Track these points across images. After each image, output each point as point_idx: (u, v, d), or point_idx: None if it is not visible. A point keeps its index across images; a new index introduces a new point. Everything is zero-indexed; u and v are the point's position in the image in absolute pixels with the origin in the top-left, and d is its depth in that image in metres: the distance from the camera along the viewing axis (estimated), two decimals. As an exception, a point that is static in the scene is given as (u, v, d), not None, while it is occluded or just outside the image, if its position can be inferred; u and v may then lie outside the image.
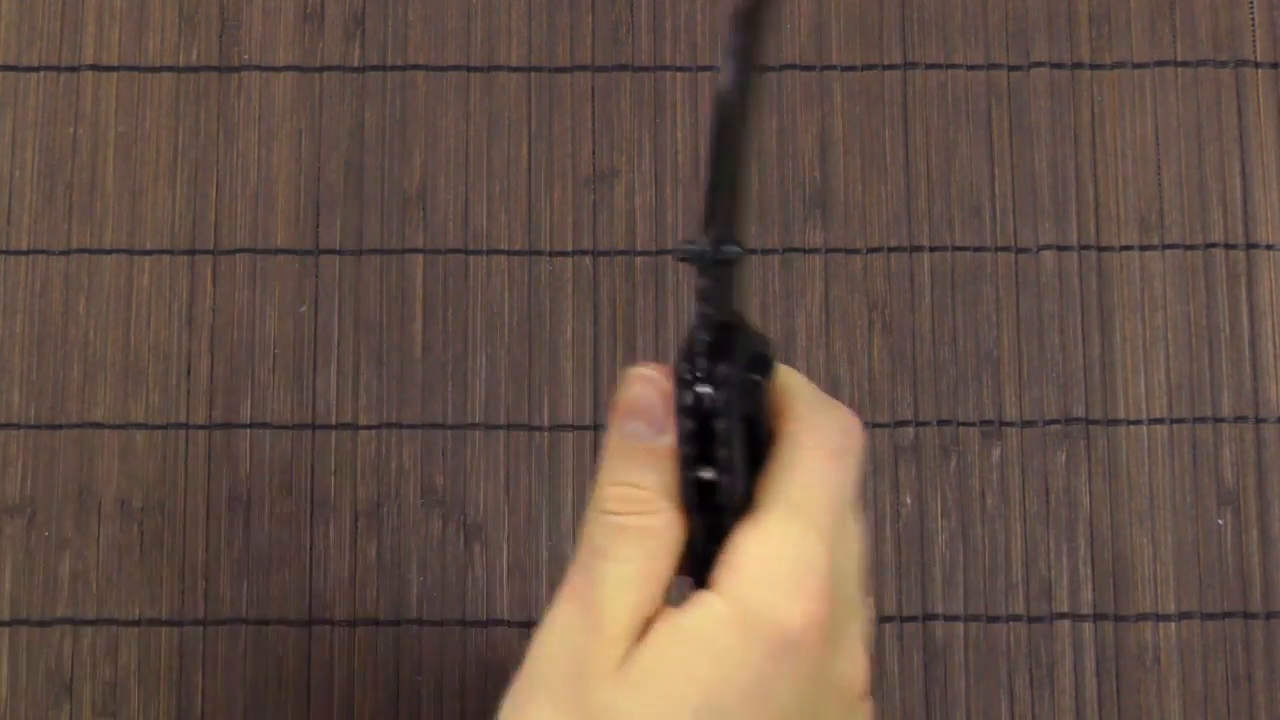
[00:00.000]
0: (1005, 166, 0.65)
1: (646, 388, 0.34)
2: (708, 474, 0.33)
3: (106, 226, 0.64)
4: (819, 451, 0.34)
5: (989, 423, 0.63)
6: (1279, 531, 0.62)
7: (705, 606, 0.32)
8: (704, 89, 0.65)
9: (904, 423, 0.63)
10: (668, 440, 0.34)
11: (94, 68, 0.65)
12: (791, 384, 0.35)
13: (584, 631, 0.32)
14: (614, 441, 0.34)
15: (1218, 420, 0.63)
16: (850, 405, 0.40)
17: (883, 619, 0.61)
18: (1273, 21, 0.66)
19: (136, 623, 0.61)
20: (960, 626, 0.61)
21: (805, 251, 0.64)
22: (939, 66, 0.65)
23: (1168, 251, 0.64)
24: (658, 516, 0.33)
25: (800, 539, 0.33)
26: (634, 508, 0.34)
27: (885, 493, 0.62)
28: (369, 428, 0.62)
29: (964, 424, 0.63)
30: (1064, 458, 0.62)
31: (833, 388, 0.62)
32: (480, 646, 0.61)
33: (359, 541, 0.62)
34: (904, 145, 0.65)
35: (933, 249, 0.64)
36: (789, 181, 0.64)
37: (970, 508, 0.62)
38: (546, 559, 0.61)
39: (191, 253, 0.64)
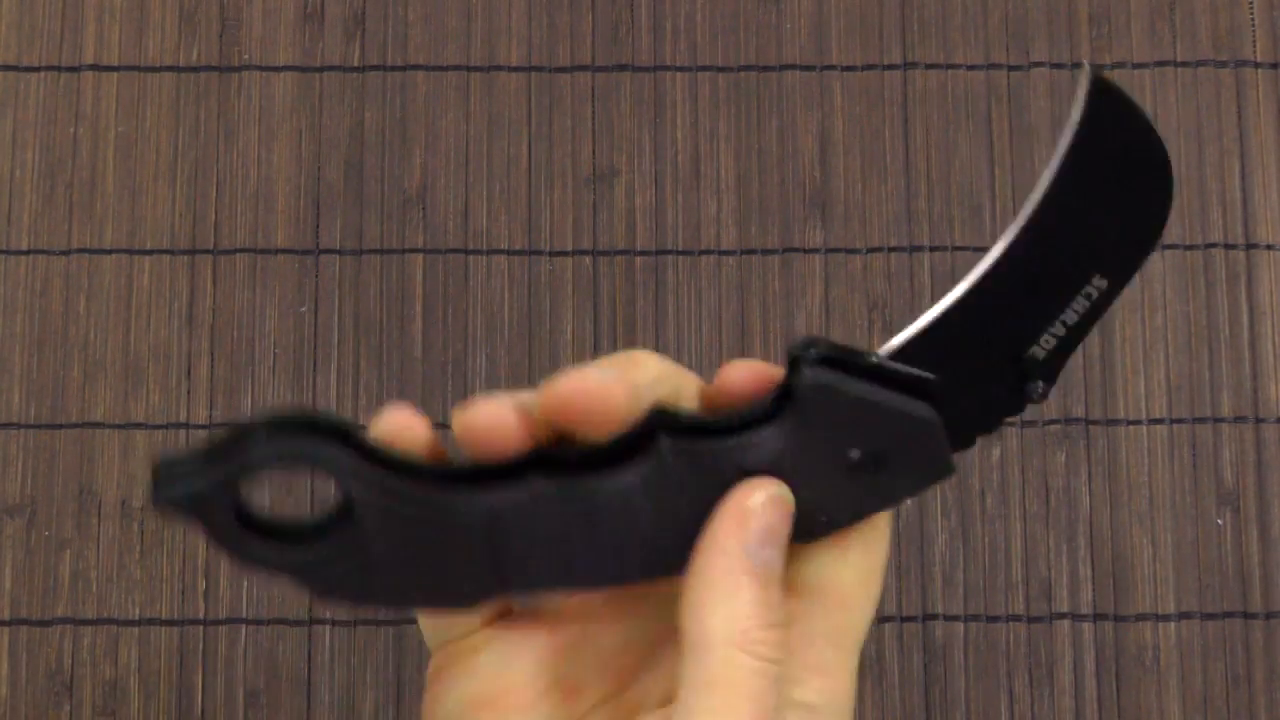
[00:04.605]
0: (1005, 166, 0.65)
1: (782, 511, 0.30)
2: None
3: (106, 226, 0.64)
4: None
5: (989, 423, 0.63)
6: (1279, 531, 0.62)
7: None
8: (704, 89, 0.65)
9: (904, 423, 0.62)
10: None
11: (94, 68, 0.65)
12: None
13: None
14: (754, 569, 0.29)
15: (1217, 420, 0.63)
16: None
17: (883, 619, 0.61)
18: (1273, 21, 0.66)
19: (136, 623, 0.61)
20: (960, 626, 0.61)
21: (805, 251, 0.64)
22: (939, 66, 0.65)
23: (1167, 252, 0.64)
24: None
25: None
26: (784, 653, 0.30)
27: (885, 493, 0.62)
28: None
29: (964, 424, 0.63)
30: (1064, 458, 0.62)
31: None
32: (480, 646, 0.61)
33: (359, 541, 0.62)
34: (904, 145, 0.65)
35: (933, 249, 0.64)
36: (789, 181, 0.64)
37: (970, 508, 0.62)
38: (546, 559, 0.61)
39: (191, 253, 0.64)
